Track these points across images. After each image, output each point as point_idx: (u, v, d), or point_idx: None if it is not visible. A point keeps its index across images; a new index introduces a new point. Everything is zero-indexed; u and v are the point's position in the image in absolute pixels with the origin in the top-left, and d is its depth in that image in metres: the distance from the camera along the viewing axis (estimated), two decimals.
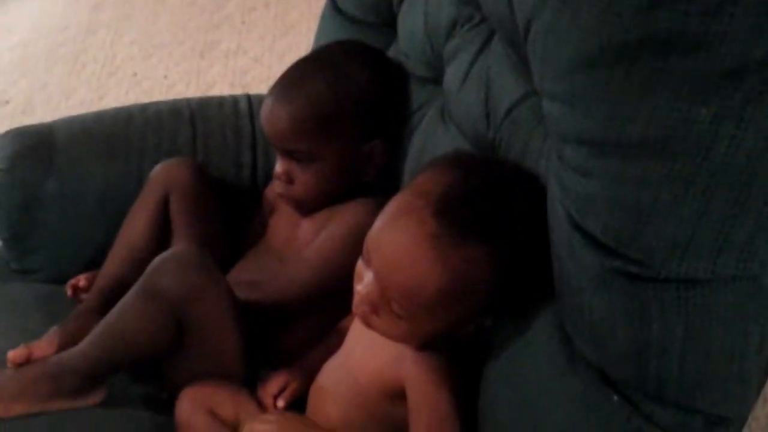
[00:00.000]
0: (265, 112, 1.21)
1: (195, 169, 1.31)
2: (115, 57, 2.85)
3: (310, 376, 1.07)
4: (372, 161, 1.22)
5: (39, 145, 1.37)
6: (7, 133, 1.39)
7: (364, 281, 0.88)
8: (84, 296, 1.26)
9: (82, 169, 1.37)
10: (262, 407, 1.07)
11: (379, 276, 0.86)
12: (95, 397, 1.04)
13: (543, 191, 0.84)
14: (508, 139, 0.97)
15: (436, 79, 1.20)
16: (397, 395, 0.94)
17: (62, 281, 1.31)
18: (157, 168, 1.31)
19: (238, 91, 2.45)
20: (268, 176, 1.33)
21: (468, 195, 0.84)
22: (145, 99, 1.49)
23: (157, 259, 1.07)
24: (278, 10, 2.99)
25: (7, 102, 2.64)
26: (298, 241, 1.24)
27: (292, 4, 3.00)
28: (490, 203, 0.84)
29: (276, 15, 2.94)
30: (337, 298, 1.05)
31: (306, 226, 1.25)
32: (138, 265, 1.16)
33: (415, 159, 1.19)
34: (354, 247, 0.94)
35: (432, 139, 1.17)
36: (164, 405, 1.07)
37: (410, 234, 0.83)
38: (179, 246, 1.18)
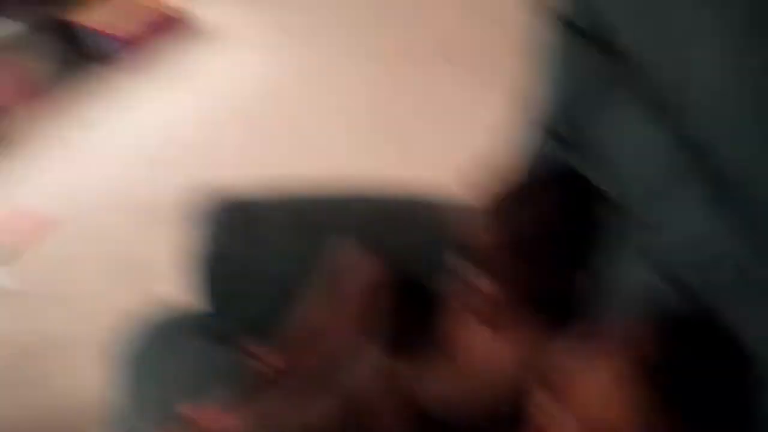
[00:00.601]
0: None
1: (382, 271, 1.34)
2: (301, 127, 2.89)
3: None
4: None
5: (239, 216, 1.46)
6: (212, 204, 1.46)
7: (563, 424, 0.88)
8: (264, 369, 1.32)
9: (275, 241, 1.44)
10: None
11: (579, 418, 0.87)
12: None
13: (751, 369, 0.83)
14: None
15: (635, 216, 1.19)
16: None
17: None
18: (346, 261, 1.34)
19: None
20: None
21: (681, 365, 0.85)
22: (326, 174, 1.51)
23: (359, 375, 1.16)
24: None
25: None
26: (472, 351, 1.25)
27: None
28: (696, 377, 0.85)
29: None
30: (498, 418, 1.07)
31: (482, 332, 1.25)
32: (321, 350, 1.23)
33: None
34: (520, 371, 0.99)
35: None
36: None
37: (619, 396, 0.83)
38: (375, 358, 1.24)
